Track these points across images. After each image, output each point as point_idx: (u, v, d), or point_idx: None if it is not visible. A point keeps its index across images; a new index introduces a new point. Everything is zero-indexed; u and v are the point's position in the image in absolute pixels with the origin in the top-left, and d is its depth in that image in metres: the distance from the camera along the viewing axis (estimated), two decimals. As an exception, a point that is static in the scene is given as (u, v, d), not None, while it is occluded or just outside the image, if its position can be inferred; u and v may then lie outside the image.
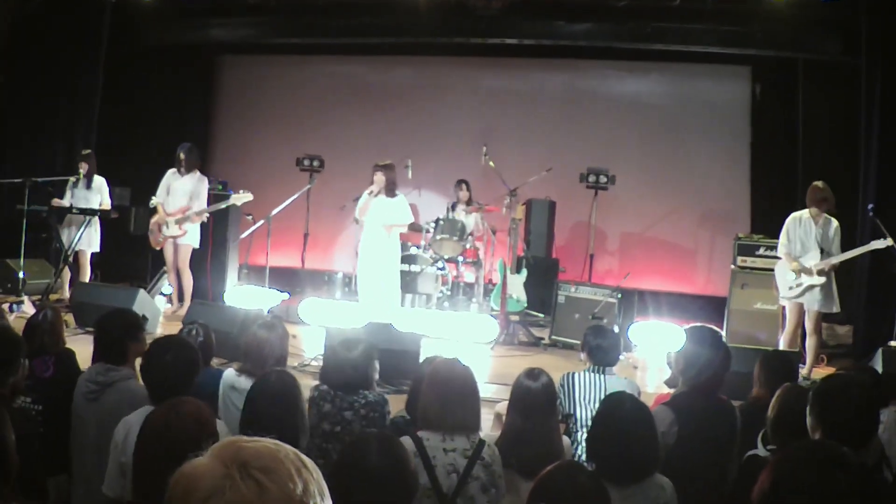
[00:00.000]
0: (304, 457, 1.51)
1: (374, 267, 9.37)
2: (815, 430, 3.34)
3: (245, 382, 4.58)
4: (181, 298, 10.62)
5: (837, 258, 8.49)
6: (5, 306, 7.73)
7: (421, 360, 7.12)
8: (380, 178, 9.25)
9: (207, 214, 10.58)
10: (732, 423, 4.29)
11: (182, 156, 10.49)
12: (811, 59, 11.67)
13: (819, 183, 8.67)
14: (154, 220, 10.56)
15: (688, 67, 13.37)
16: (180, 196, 10.44)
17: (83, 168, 10.72)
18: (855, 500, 2.13)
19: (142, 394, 3.87)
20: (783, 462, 2.24)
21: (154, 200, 10.55)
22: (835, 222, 8.62)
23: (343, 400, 4.49)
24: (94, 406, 4.19)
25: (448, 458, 3.67)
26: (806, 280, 8.47)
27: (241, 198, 10.53)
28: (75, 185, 10.76)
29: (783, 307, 9.10)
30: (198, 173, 10.61)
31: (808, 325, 8.60)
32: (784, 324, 8.99)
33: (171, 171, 10.58)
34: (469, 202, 11.92)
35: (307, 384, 4.58)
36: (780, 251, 8.79)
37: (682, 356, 4.41)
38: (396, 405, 5.06)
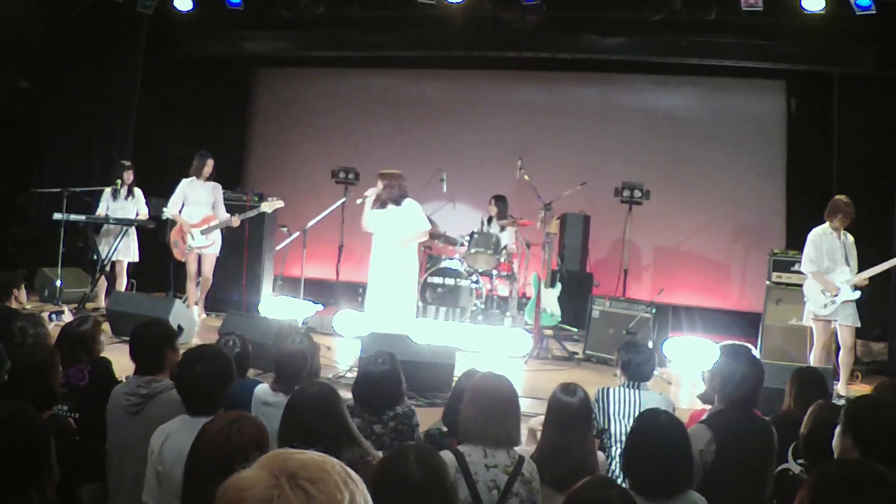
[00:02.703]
0: (349, 469, 1.53)
1: (386, 281, 8.75)
2: (847, 449, 3.32)
3: (278, 397, 4.59)
4: (195, 303, 10.66)
5: (870, 272, 8.28)
6: (45, 315, 7.81)
7: (455, 374, 7.17)
8: (378, 185, 8.81)
9: (240, 221, 10.58)
10: (769, 441, 4.27)
11: (205, 164, 10.48)
12: (846, 72, 11.56)
13: (843, 197, 8.44)
14: (175, 231, 10.46)
15: (722, 82, 13.32)
16: (202, 206, 10.44)
17: (126, 178, 10.81)
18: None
19: (185, 403, 3.88)
20: (821, 481, 2.24)
21: (168, 212, 10.41)
22: (851, 236, 8.45)
23: (372, 414, 4.51)
24: (138, 418, 4.15)
25: (489, 474, 3.67)
26: (841, 297, 8.25)
27: (271, 205, 10.54)
28: (112, 195, 10.86)
29: (810, 327, 8.78)
30: (212, 181, 10.60)
31: (845, 342, 8.32)
32: (812, 342, 8.67)
33: (188, 181, 10.48)
34: (499, 217, 11.80)
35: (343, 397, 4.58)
36: (808, 268, 8.49)
37: (718, 373, 4.40)
38: (431, 418, 5.07)
